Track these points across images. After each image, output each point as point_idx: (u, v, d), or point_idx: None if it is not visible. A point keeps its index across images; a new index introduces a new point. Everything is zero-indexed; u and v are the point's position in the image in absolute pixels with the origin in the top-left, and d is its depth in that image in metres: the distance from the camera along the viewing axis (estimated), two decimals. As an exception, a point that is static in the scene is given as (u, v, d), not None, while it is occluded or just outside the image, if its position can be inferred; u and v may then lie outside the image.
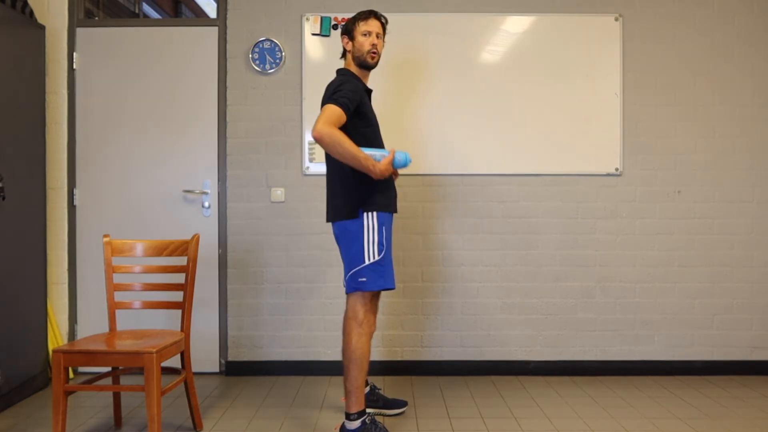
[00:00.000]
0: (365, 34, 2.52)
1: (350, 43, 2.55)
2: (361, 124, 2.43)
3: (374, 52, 2.53)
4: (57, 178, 3.40)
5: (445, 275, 3.45)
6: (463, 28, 3.41)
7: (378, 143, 2.53)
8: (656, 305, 3.45)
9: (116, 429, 2.62)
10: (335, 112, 2.29)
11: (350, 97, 2.34)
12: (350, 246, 2.43)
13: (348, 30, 2.55)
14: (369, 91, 2.60)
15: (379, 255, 2.40)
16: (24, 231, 3.01)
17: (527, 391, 3.14)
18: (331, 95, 2.36)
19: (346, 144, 2.26)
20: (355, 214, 2.41)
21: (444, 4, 3.42)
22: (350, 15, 3.37)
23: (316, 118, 2.29)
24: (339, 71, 2.58)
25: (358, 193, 2.41)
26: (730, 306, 3.45)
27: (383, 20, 2.58)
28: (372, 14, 2.55)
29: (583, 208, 3.45)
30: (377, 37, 2.53)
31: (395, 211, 2.55)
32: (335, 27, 3.41)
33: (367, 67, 2.56)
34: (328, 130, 2.24)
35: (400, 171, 2.53)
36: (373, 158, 2.33)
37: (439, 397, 3.04)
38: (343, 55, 2.60)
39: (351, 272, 2.42)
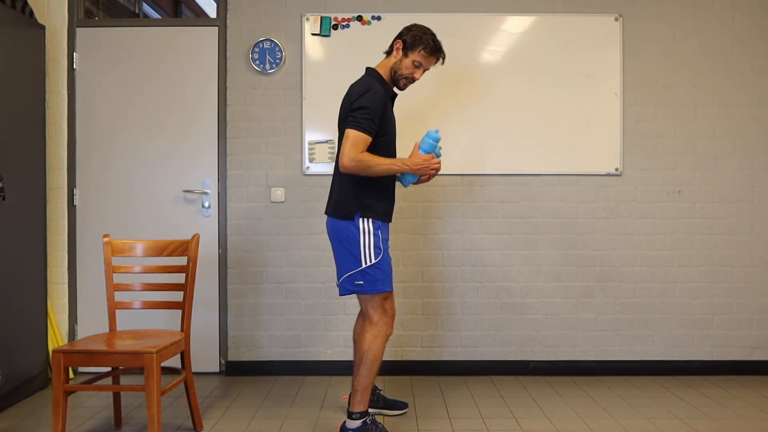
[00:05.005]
0: (417, 65, 2.46)
1: (400, 55, 2.46)
2: (379, 133, 2.39)
3: (410, 82, 2.51)
4: (57, 178, 3.40)
5: (445, 275, 3.45)
6: (462, 28, 3.41)
7: (391, 152, 2.49)
8: (656, 305, 3.45)
9: (116, 429, 2.62)
10: (360, 139, 2.30)
11: (373, 116, 2.32)
12: (345, 248, 2.43)
13: (407, 43, 2.45)
14: (393, 96, 2.56)
15: (376, 258, 2.39)
16: (24, 231, 3.01)
17: (527, 391, 3.14)
18: (352, 112, 2.32)
19: (374, 164, 2.31)
20: (351, 217, 2.41)
21: (444, 4, 3.42)
22: (350, 15, 3.39)
23: (342, 145, 2.32)
24: (368, 71, 2.53)
25: (358, 197, 2.40)
26: (730, 306, 3.45)
27: (442, 61, 2.53)
28: (437, 53, 2.47)
29: (583, 208, 3.45)
30: (424, 70, 2.50)
31: (389, 221, 2.54)
32: (335, 27, 3.41)
33: (397, 86, 2.54)
34: (353, 164, 2.29)
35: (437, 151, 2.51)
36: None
37: (439, 397, 3.04)
38: (388, 52, 2.52)
39: (347, 275, 2.42)
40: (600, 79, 3.43)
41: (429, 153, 2.41)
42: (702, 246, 3.45)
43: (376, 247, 2.40)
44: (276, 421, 2.72)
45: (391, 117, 2.49)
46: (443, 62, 2.54)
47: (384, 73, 2.50)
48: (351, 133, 2.31)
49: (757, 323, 3.45)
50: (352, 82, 2.49)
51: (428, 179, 2.52)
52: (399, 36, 2.49)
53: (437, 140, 2.42)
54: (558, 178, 3.44)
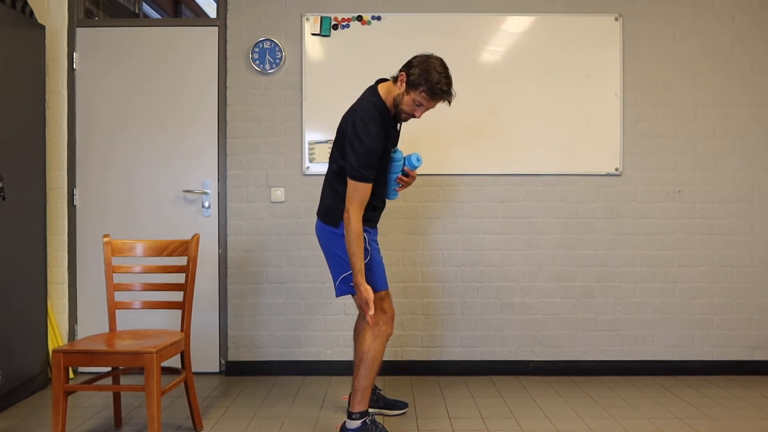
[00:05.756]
0: (418, 104, 2.31)
1: (404, 88, 2.30)
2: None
3: (410, 117, 2.39)
4: (57, 178, 3.40)
5: (445, 275, 3.45)
6: (463, 28, 3.41)
7: (382, 171, 2.43)
8: (656, 305, 3.45)
9: (116, 429, 2.62)
10: (361, 190, 2.29)
11: (371, 162, 2.28)
12: (333, 252, 2.45)
13: (412, 80, 2.27)
14: (396, 122, 2.47)
15: (364, 260, 2.39)
16: (24, 231, 3.01)
17: (527, 391, 3.14)
18: (351, 159, 2.27)
19: (351, 239, 2.29)
20: (336, 225, 2.42)
21: (444, 4, 3.42)
22: (350, 15, 3.39)
23: (349, 192, 2.30)
24: (373, 91, 2.40)
25: (344, 205, 2.38)
26: (730, 306, 3.45)
27: (449, 103, 2.35)
28: (439, 97, 2.29)
29: (583, 208, 3.45)
30: (426, 109, 2.35)
31: (374, 227, 2.54)
32: (335, 27, 3.41)
33: (397, 117, 2.41)
34: (347, 220, 2.29)
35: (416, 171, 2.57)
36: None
37: (439, 397, 3.04)
38: (394, 79, 2.37)
39: (341, 277, 2.43)
40: (600, 79, 3.43)
41: (398, 173, 2.48)
42: (702, 246, 3.45)
43: (363, 249, 2.37)
44: (276, 421, 2.72)
45: (388, 147, 2.41)
46: (450, 104, 2.35)
47: (387, 100, 2.37)
48: (353, 185, 2.29)
49: (757, 323, 3.45)
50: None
51: (406, 186, 2.56)
52: (406, 66, 2.32)
53: (400, 159, 2.46)
54: (558, 178, 3.44)
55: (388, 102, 2.38)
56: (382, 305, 2.46)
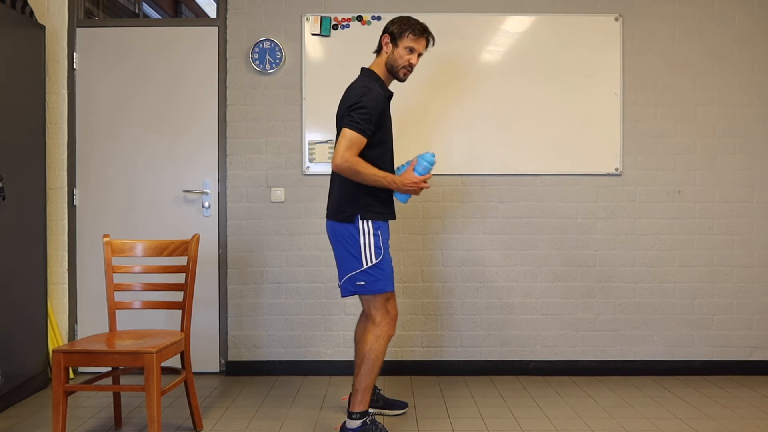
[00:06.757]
0: (409, 50, 2.46)
1: (390, 46, 2.47)
2: (377, 135, 2.40)
3: (409, 70, 2.50)
4: (57, 178, 3.40)
5: (445, 275, 3.45)
6: (462, 28, 3.41)
7: (389, 154, 2.50)
8: (656, 305, 3.45)
9: (116, 429, 2.62)
10: (356, 140, 2.31)
11: (371, 117, 2.32)
12: (346, 250, 2.43)
13: (393, 34, 2.47)
14: (390, 96, 2.54)
15: (377, 259, 2.39)
16: (24, 231, 3.01)
17: (527, 391, 3.14)
18: (351, 112, 2.32)
19: (364, 172, 2.32)
20: (351, 220, 2.41)
21: (444, 4, 3.42)
22: (350, 15, 3.39)
23: (337, 144, 2.33)
24: (364, 72, 2.53)
25: (356, 199, 2.40)
26: (730, 306, 3.45)
27: (432, 42, 2.53)
28: (425, 33, 2.48)
29: (583, 208, 3.45)
30: (418, 55, 2.50)
31: (393, 219, 2.54)
32: (335, 27, 3.41)
33: (397, 79, 2.53)
34: (346, 164, 2.30)
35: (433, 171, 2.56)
36: (398, 171, 2.50)
37: (439, 397, 3.04)
38: (378, 51, 2.54)
39: (348, 276, 2.42)
40: (600, 79, 3.43)
41: (423, 175, 2.43)
42: (702, 246, 3.45)
43: (377, 247, 2.40)
44: (276, 421, 2.72)
45: (388, 115, 2.48)
46: (434, 43, 2.54)
47: (380, 72, 2.50)
48: (348, 133, 2.31)
49: (757, 323, 3.45)
50: (351, 82, 2.49)
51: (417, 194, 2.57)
52: (384, 31, 2.50)
53: (433, 164, 2.45)
54: (558, 178, 3.44)
55: (382, 72, 2.50)
56: (387, 306, 2.46)
